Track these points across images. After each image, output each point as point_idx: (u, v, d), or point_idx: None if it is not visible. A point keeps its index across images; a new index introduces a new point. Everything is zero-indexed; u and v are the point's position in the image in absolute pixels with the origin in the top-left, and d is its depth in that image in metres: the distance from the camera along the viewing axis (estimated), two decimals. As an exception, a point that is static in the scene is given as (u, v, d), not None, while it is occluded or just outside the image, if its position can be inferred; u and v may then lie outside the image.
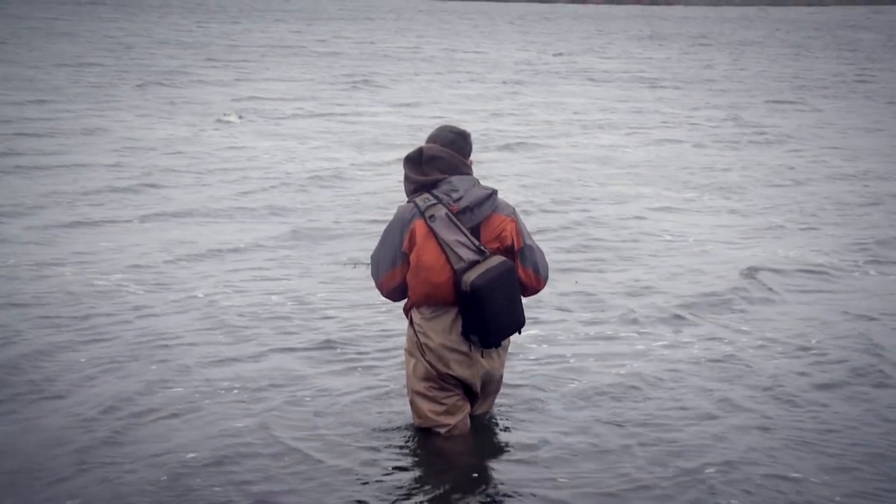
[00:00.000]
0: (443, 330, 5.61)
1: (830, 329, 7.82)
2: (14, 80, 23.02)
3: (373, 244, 5.73)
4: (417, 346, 5.68)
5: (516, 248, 5.62)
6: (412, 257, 5.53)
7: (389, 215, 10.78)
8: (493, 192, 5.63)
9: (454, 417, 5.73)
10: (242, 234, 10.48)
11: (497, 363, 5.77)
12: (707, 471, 5.40)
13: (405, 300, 5.74)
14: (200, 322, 7.75)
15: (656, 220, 11.59)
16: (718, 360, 7.06)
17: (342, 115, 19.97)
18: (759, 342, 7.50)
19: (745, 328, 7.85)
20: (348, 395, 6.44)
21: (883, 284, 9.22)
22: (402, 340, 7.34)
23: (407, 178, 5.68)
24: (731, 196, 13.14)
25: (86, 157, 14.47)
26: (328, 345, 7.36)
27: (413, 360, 5.73)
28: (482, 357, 5.65)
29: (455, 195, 5.54)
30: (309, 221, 11.11)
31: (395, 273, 5.63)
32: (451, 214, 5.52)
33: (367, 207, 11.92)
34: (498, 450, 5.69)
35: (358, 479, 5.36)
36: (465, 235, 5.51)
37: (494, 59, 32.98)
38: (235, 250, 9.87)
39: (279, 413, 6.14)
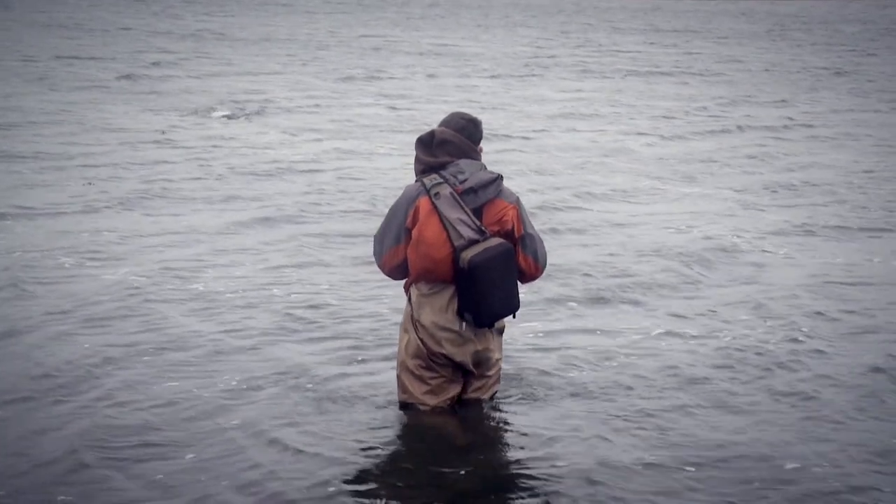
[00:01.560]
0: (438, 308, 5.73)
1: (759, 311, 8.35)
2: (14, 74, 23.36)
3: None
4: (412, 323, 5.81)
5: (517, 234, 5.76)
6: (414, 232, 5.66)
7: (376, 203, 11.41)
8: (498, 177, 5.78)
9: (436, 398, 5.86)
10: (224, 223, 10.87)
11: (492, 345, 5.88)
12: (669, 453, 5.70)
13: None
14: (181, 307, 8.06)
15: (615, 206, 12.18)
16: (659, 344, 7.51)
17: (332, 107, 20.26)
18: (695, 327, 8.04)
19: (676, 311, 8.34)
20: (323, 372, 6.68)
21: (815, 267, 9.78)
22: (379, 321, 7.75)
23: (417, 159, 5.83)
24: (692, 182, 13.72)
25: (75, 149, 14.84)
26: (304, 325, 7.64)
27: (406, 336, 5.86)
28: (474, 337, 5.77)
29: (461, 177, 5.69)
30: (295, 211, 11.49)
31: (398, 250, 5.75)
32: (455, 194, 5.66)
33: (354, 198, 12.32)
34: (481, 432, 5.87)
35: (331, 456, 5.55)
36: (468, 215, 5.65)
37: (486, 52, 33.29)
38: (218, 237, 10.25)
39: (254, 393, 6.34)
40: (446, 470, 5.43)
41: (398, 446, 5.73)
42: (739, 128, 18.74)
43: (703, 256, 9.91)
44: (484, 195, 5.72)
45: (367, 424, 5.95)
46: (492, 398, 6.06)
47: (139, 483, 5.27)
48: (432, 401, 5.88)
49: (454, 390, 5.90)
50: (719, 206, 12.36)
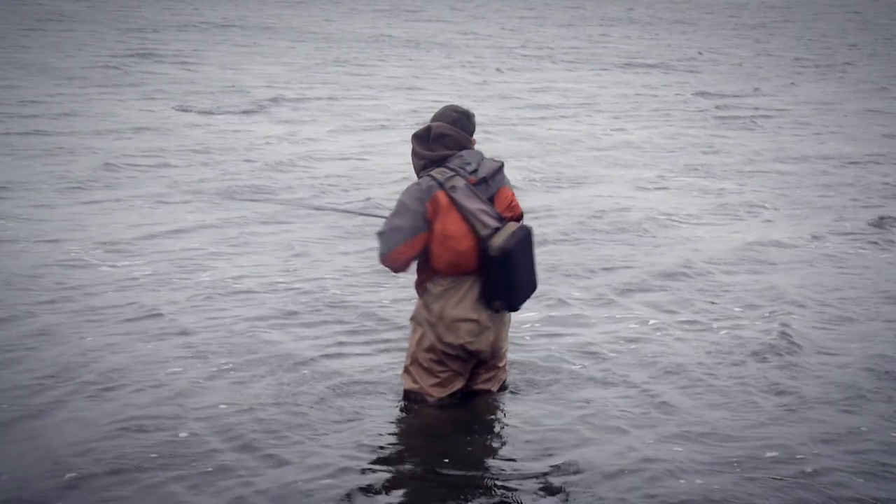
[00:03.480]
0: (458, 301, 5.80)
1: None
2: (7, 62, 23.51)
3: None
4: (428, 317, 5.87)
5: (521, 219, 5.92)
6: (437, 227, 5.67)
7: (360, 195, 11.65)
8: (502, 165, 5.90)
9: (444, 391, 5.97)
10: (208, 214, 11.03)
11: (503, 333, 6.03)
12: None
13: (412, 276, 5.95)
14: (172, 294, 8.25)
15: (561, 192, 12.68)
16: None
17: (322, 98, 20.32)
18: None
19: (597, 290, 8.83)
20: (315, 359, 6.86)
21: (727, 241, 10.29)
22: (366, 310, 7.88)
23: (416, 154, 5.85)
24: (636, 167, 14.22)
25: (63, 139, 14.98)
26: (310, 317, 7.75)
27: (421, 330, 5.91)
28: (492, 325, 5.89)
29: (468, 168, 5.74)
30: (280, 200, 11.65)
31: (413, 242, 5.72)
32: (469, 185, 5.72)
33: (341, 188, 12.57)
34: (484, 423, 6.01)
35: (339, 445, 5.67)
36: (486, 204, 5.74)
37: (476, 44, 33.49)
38: (202, 225, 10.48)
39: (256, 382, 6.46)
40: (442, 460, 5.55)
41: (394, 435, 5.85)
42: (705, 118, 19.14)
43: (642, 237, 10.52)
44: (494, 184, 5.83)
45: (361, 413, 6.09)
46: (500, 389, 6.21)
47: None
48: (438, 393, 5.99)
49: (460, 384, 6.03)
50: (666, 191, 12.92)
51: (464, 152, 5.82)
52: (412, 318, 6.00)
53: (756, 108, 20.50)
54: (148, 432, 5.77)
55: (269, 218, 10.86)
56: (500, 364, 6.15)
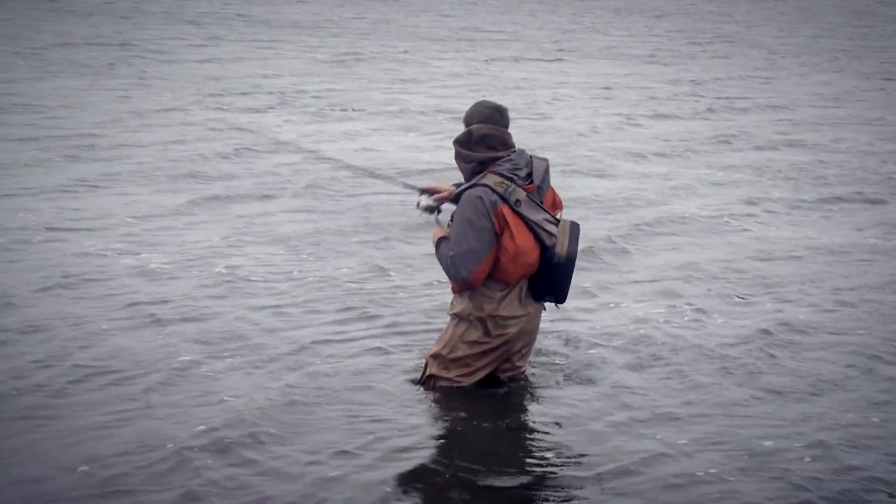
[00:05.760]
0: (511, 302, 5.82)
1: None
2: (12, 55, 23.59)
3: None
4: (480, 315, 5.83)
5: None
6: (507, 244, 5.61)
7: (348, 188, 11.87)
8: (549, 163, 5.89)
9: (471, 380, 6.00)
10: (196, 200, 11.28)
11: (538, 323, 6.10)
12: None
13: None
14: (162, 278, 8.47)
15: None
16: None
17: (322, 90, 20.38)
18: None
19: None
20: (346, 348, 6.91)
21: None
22: (370, 298, 7.98)
23: (462, 158, 5.74)
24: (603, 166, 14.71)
25: (56, 131, 15.14)
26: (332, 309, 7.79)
27: (465, 325, 5.89)
28: (534, 315, 5.99)
29: (521, 173, 5.67)
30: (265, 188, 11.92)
31: (489, 259, 5.64)
32: (529, 195, 5.68)
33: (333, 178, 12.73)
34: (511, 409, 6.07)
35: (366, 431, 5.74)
36: (545, 211, 5.73)
37: (480, 38, 33.59)
38: (192, 216, 10.67)
39: (275, 373, 6.50)
40: (449, 451, 5.61)
41: (406, 420, 5.89)
42: (679, 108, 19.53)
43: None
44: (545, 187, 5.82)
45: (363, 400, 6.13)
46: (513, 380, 6.20)
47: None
48: (467, 381, 6.03)
49: (486, 372, 6.06)
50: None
51: (512, 154, 5.72)
52: (455, 314, 5.96)
53: (730, 98, 20.86)
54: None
55: (260, 211, 11.07)
56: (530, 346, 6.17)
